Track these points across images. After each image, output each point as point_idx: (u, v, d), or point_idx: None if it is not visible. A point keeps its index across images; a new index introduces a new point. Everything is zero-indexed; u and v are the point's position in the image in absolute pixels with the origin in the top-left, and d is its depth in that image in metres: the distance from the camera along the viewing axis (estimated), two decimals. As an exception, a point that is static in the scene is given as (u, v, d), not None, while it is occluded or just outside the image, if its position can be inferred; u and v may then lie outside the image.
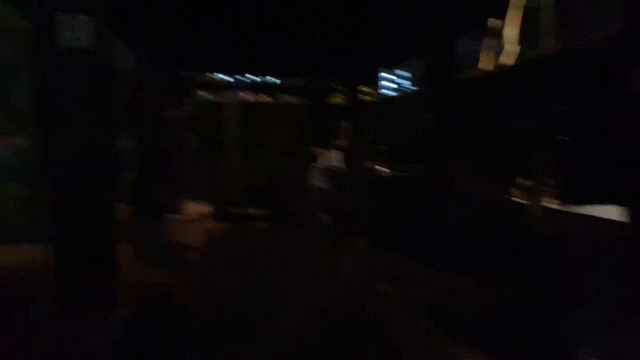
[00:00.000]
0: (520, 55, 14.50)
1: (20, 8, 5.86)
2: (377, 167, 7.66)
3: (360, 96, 10.83)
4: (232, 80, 12.20)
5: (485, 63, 16.09)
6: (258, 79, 12.10)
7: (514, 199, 7.35)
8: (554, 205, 7.00)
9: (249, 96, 14.00)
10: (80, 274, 3.08)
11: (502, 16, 14.79)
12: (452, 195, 6.32)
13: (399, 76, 34.44)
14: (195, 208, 9.31)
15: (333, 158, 8.93)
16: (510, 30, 16.08)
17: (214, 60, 9.66)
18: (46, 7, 2.73)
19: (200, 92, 12.81)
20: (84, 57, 2.77)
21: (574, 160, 6.03)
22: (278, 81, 11.98)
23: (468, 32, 8.60)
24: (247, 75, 12.67)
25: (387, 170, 7.27)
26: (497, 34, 16.82)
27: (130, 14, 5.43)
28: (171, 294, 4.10)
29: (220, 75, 13.38)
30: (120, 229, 6.09)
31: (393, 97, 14.57)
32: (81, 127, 2.92)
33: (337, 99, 12.75)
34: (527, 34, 17.57)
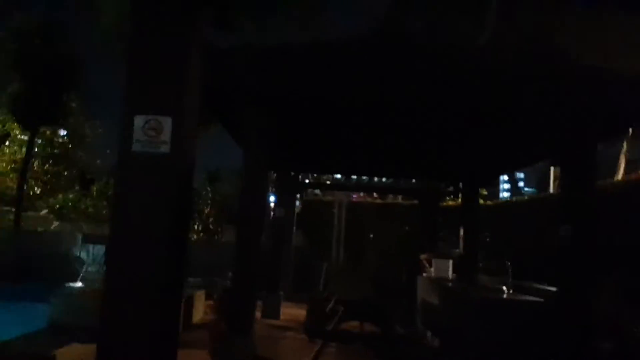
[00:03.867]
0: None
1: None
2: (496, 285, 6.59)
3: (478, 200, 9.91)
4: (343, 180, 12.02)
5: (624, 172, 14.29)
6: (369, 179, 11.77)
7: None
8: None
9: (358, 196, 13.77)
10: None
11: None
12: (594, 327, 5.12)
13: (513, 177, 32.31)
14: (292, 312, 8.79)
15: (445, 268, 8.01)
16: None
17: (328, 162, 9.56)
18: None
19: (311, 190, 12.86)
20: (160, 162, 2.50)
21: None
22: (390, 181, 11.53)
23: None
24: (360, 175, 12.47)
25: (509, 290, 6.19)
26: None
27: (243, 117, 5.41)
28: None
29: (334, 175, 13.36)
30: (207, 339, 5.78)
31: (517, 200, 13.28)
32: (148, 235, 2.57)
33: (453, 202, 11.93)
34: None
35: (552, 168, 17.74)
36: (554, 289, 5.98)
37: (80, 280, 8.42)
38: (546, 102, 5.14)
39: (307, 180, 11.48)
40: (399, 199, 14.40)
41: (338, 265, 10.98)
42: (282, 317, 8.55)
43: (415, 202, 12.05)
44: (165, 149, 2.50)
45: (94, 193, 13.91)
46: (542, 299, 5.56)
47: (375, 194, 15.26)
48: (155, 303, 2.57)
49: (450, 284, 7.27)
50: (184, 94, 2.56)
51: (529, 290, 6.31)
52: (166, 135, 2.49)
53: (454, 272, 8.00)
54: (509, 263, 6.75)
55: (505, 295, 5.96)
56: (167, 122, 2.50)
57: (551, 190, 17.03)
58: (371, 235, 11.51)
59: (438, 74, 5.07)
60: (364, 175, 11.01)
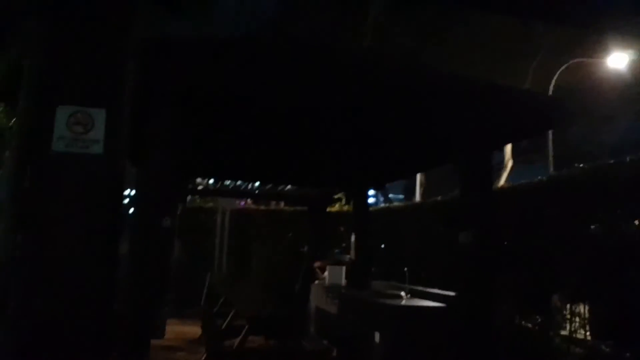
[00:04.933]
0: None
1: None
2: (393, 291, 6.72)
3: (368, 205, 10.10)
4: (229, 185, 11.52)
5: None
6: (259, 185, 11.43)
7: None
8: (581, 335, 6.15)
9: (245, 204, 13.33)
10: None
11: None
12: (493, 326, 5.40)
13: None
14: (178, 330, 8.15)
15: (339, 275, 7.99)
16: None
17: (211, 168, 9.00)
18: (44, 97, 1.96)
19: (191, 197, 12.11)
20: (89, 165, 1.96)
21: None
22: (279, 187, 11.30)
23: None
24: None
25: (407, 295, 6.33)
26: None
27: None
28: None
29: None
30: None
31: (394, 206, 13.88)
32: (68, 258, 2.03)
33: (341, 207, 12.08)
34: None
35: (417, 177, 18.90)
36: (450, 293, 6.23)
37: None
38: (431, 112, 5.27)
39: (189, 186, 10.75)
40: (281, 205, 14.19)
41: (223, 276, 10.44)
42: (167, 335, 7.85)
43: (302, 208, 11.98)
44: (97, 149, 1.96)
45: None
46: (444, 305, 5.75)
47: (260, 201, 14.87)
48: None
49: (347, 291, 7.25)
50: (123, 81, 2.04)
51: (425, 296, 6.51)
52: (98, 132, 1.96)
53: (345, 278, 8.02)
54: (405, 269, 6.92)
55: (408, 302, 6.08)
56: (100, 116, 1.97)
57: (417, 198, 18.11)
58: (260, 244, 11.16)
59: (323, 78, 4.98)
60: (252, 181, 10.66)
